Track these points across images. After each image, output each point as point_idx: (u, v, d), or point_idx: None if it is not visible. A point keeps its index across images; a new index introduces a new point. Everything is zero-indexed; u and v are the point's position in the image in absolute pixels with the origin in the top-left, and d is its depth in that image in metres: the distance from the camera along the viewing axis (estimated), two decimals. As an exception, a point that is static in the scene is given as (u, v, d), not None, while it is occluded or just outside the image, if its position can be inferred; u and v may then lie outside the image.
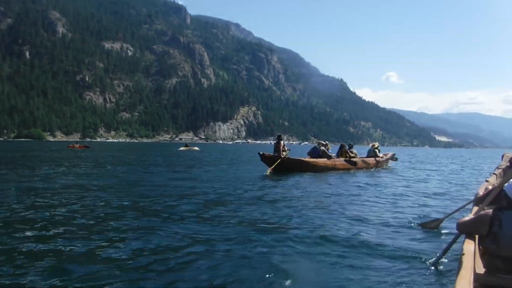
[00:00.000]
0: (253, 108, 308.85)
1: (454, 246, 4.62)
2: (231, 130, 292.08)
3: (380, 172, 20.84)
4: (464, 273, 2.91)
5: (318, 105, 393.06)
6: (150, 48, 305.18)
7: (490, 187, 5.74)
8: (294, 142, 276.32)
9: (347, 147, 22.30)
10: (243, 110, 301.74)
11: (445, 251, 4.77)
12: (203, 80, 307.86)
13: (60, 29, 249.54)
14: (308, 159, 19.62)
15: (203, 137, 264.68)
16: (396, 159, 26.29)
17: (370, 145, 24.89)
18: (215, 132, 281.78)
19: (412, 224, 7.48)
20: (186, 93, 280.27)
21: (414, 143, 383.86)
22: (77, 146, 58.20)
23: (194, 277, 4.34)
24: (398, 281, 4.41)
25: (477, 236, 3.86)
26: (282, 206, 9.15)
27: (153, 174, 17.61)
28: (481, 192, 6.31)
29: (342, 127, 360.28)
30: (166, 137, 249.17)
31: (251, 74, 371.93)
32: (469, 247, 3.50)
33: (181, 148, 61.42)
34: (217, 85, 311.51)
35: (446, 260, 4.98)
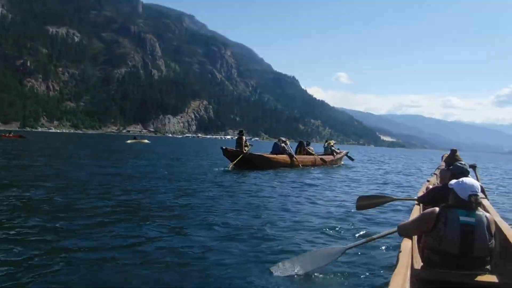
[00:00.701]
0: (205, 102, 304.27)
1: (393, 242, 4.73)
2: (181, 124, 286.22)
3: (335, 169, 21.83)
4: (400, 270, 2.97)
5: (270, 101, 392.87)
6: (98, 36, 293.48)
7: (431, 187, 5.92)
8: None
9: (305, 144, 22.87)
10: (194, 104, 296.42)
11: (370, 240, 4.63)
12: (153, 71, 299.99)
13: None
14: (269, 155, 19.81)
15: (152, 129, 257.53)
16: (352, 159, 27.30)
17: (326, 143, 25.73)
18: (165, 125, 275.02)
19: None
20: (136, 84, 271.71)
21: (361, 142, 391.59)
22: (11, 135, 52.46)
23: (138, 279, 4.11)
24: (336, 281, 4.40)
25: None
26: (230, 203, 8.91)
27: (79, 167, 16.41)
28: (422, 191, 6.74)
29: (293, 124, 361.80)
30: (113, 129, 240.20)
31: (204, 67, 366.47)
32: (407, 244, 3.63)
33: (129, 141, 57.29)
34: (168, 77, 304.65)
35: (387, 258, 5.08)
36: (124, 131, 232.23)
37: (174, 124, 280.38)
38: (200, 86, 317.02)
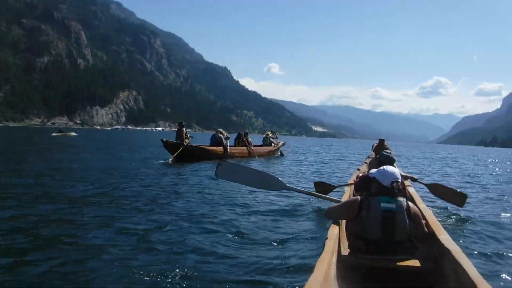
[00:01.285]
0: (134, 93, 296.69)
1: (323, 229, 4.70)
2: (110, 115, 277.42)
3: (273, 159, 22.36)
4: (325, 255, 3.02)
5: (202, 92, 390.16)
6: (18, 22, 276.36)
7: (361, 175, 6.16)
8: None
9: (243, 136, 22.99)
10: (123, 95, 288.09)
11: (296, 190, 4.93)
12: (79, 60, 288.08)
13: None
14: (208, 146, 19.91)
15: (78, 122, 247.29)
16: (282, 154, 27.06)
17: (265, 134, 26.44)
18: (93, 117, 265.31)
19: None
20: (60, 74, 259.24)
21: (293, 133, 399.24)
22: None
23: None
24: (264, 267, 4.39)
25: (343, 221, 4.15)
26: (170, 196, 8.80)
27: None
28: (353, 179, 6.93)
29: (225, 115, 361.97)
30: (37, 121, 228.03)
31: (133, 57, 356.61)
32: (333, 231, 3.70)
33: (55, 134, 53.00)
34: (95, 66, 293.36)
35: (314, 245, 5.07)
36: (48, 123, 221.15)
37: (102, 116, 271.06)
38: (129, 76, 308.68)
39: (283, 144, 27.04)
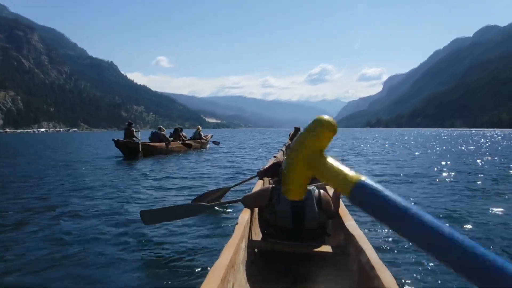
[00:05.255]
0: (12, 93, 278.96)
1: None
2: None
3: (205, 153, 22.49)
4: (233, 241, 3.07)
5: (87, 88, 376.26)
6: None
7: (277, 162, 6.27)
8: (62, 129, 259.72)
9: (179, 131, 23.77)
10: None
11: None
12: None
13: None
14: (153, 143, 20.38)
15: None
16: (217, 143, 28.16)
17: (196, 128, 26.85)
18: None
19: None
20: None
21: (186, 125, 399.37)
22: None
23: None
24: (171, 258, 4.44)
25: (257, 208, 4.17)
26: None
27: None
28: (267, 166, 6.88)
29: (114, 112, 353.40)
30: None
31: (8, 54, 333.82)
32: (244, 216, 3.73)
33: None
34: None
35: (226, 231, 5.23)
36: None
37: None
38: (5, 74, 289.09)
39: (212, 137, 28.10)
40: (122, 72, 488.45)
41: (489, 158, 18.94)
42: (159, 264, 4.33)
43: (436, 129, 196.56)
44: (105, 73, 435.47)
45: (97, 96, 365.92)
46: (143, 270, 4.16)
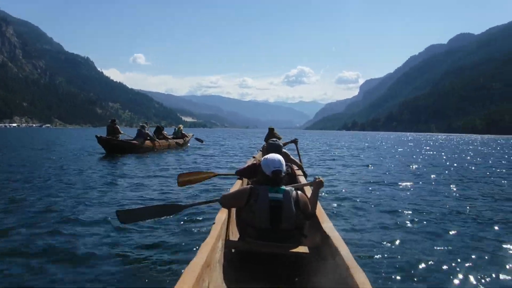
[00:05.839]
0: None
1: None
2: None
3: (186, 151, 23.15)
4: (209, 240, 3.04)
5: (63, 84, 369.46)
6: None
7: (256, 163, 6.27)
8: (35, 125, 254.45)
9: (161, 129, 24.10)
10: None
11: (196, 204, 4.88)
12: None
13: None
14: (136, 141, 20.44)
15: None
16: (201, 141, 29.38)
17: (177, 127, 27.59)
18: None
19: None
20: None
21: (163, 124, 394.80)
22: None
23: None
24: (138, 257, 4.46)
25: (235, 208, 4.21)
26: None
27: None
28: (245, 166, 6.84)
29: (89, 108, 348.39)
30: None
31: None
32: (222, 216, 3.77)
33: None
34: None
35: (203, 231, 5.22)
36: None
37: None
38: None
39: (193, 136, 28.56)
40: (99, 69, 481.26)
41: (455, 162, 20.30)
42: (134, 263, 4.24)
43: (411, 133, 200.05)
44: (81, 69, 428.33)
45: (72, 92, 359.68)
46: (117, 270, 4.08)
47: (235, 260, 3.57)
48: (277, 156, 3.89)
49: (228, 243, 3.69)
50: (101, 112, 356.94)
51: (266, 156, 3.90)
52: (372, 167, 16.27)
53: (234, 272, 3.40)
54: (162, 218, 5.35)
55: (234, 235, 4.02)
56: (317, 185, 4.12)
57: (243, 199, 3.70)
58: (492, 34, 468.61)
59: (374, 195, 9.16)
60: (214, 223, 3.52)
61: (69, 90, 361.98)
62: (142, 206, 5.59)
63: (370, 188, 10.25)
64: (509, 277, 4.25)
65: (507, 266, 4.56)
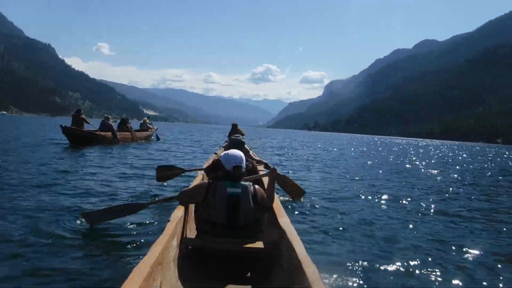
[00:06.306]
0: None
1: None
2: None
3: (149, 144, 23.62)
4: (162, 238, 3.02)
5: (21, 70, 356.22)
6: None
7: (216, 158, 6.09)
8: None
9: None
10: None
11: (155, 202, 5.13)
12: None
13: None
14: (99, 132, 20.26)
15: None
16: (159, 138, 28.43)
17: (142, 120, 28.03)
18: None
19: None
20: None
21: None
22: None
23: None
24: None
25: (192, 204, 4.17)
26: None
27: None
28: (208, 163, 6.90)
29: (47, 97, 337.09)
30: None
31: None
32: (178, 213, 3.77)
33: None
34: None
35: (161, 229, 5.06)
36: None
37: None
38: None
39: (157, 129, 28.69)
40: (60, 56, 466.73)
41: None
42: (85, 263, 4.12)
43: (371, 136, 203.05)
44: (41, 56, 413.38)
45: (30, 78, 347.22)
46: (67, 268, 3.94)
47: (192, 258, 3.56)
48: (238, 152, 3.89)
49: (184, 241, 3.69)
50: (60, 101, 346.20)
51: (227, 152, 3.91)
52: (333, 169, 16.57)
53: (190, 270, 3.38)
54: (126, 216, 5.40)
55: (192, 233, 4.00)
56: (272, 174, 4.17)
57: (201, 194, 3.70)
58: (456, 41, 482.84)
59: (327, 191, 9.73)
60: (169, 221, 3.52)
61: (27, 76, 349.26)
62: (106, 207, 5.76)
63: (329, 187, 10.68)
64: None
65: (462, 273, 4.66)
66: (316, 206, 7.68)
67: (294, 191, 8.07)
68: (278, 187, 7.87)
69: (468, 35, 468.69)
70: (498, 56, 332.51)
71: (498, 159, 37.61)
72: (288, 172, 12.57)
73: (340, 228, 6.12)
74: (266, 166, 7.80)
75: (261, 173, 6.10)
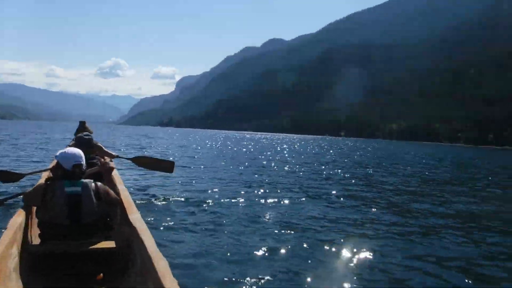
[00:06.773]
0: None
1: None
2: None
3: None
4: None
5: None
6: None
7: None
8: None
9: None
10: None
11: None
12: None
13: None
14: None
15: None
16: None
17: None
18: None
19: None
20: None
21: None
22: None
23: None
24: None
25: (34, 208, 3.92)
26: None
27: None
28: (53, 164, 6.40)
29: None
30: None
31: None
32: (17, 219, 3.49)
33: None
34: None
35: None
36: None
37: None
38: None
39: None
40: None
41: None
42: None
43: (225, 131, 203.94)
44: None
45: None
46: None
47: (38, 266, 3.34)
48: (76, 150, 3.79)
49: (26, 248, 3.44)
50: None
51: (64, 150, 3.76)
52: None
53: (38, 278, 3.20)
54: None
55: (35, 238, 3.74)
56: (104, 168, 4.27)
57: (38, 196, 3.51)
58: (301, 41, 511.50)
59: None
60: (6, 229, 3.25)
61: None
62: None
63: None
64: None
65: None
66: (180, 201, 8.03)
67: (162, 166, 8.43)
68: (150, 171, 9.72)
69: (312, 36, 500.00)
70: (340, 55, 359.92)
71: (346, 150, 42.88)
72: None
73: (195, 222, 6.37)
74: (114, 156, 7.70)
75: (114, 172, 6.00)
